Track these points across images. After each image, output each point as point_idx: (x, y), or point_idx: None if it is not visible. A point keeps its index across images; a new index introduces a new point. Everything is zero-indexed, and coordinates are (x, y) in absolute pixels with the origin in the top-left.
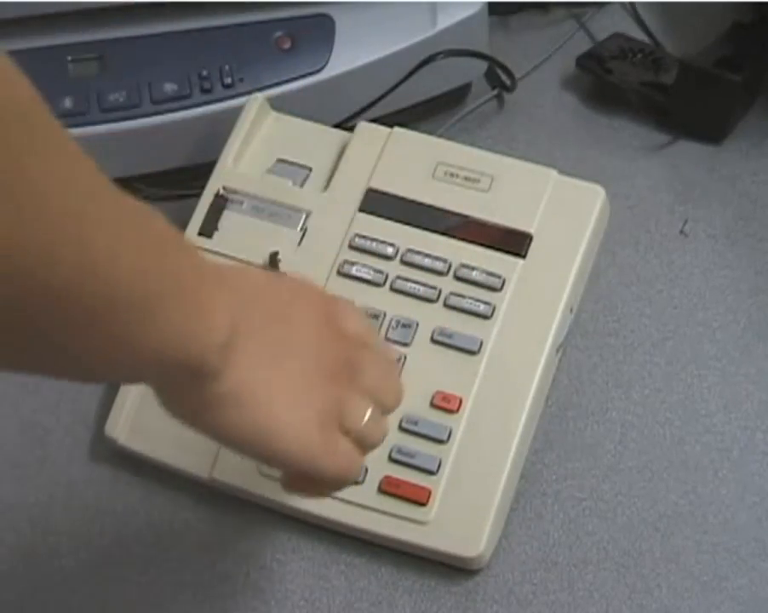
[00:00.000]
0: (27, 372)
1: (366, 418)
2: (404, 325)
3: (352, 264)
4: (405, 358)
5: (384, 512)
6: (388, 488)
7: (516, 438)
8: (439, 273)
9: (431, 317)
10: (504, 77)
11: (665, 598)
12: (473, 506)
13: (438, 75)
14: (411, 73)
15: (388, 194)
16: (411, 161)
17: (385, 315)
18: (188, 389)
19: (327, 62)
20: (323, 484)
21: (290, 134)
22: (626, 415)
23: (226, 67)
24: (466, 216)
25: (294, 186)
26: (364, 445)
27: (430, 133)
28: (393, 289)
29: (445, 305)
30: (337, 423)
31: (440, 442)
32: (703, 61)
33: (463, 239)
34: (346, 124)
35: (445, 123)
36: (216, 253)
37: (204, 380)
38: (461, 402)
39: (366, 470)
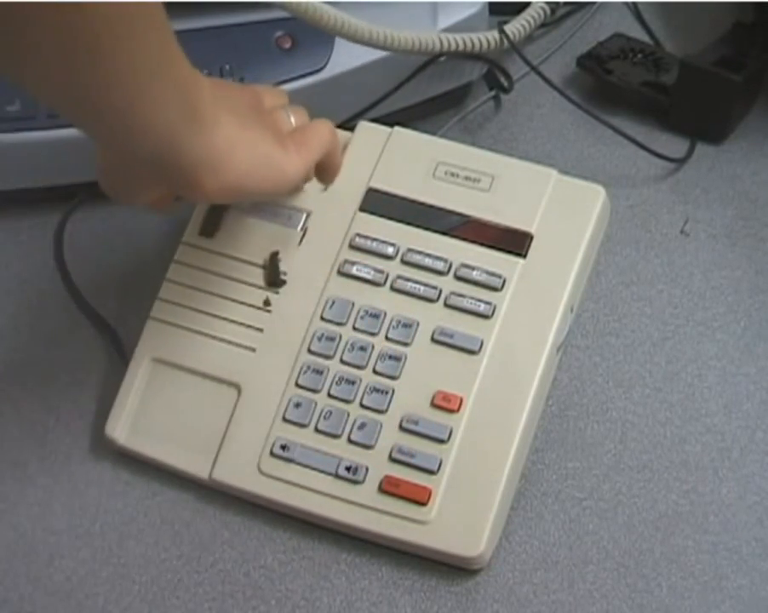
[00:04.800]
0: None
1: (292, 119)
2: (404, 325)
3: (353, 263)
4: (406, 357)
5: (384, 512)
6: (389, 487)
7: (516, 438)
8: (440, 273)
9: (431, 317)
10: (502, 79)
11: (665, 598)
12: (474, 505)
13: (438, 75)
14: (413, 75)
15: (389, 194)
16: (411, 161)
17: (385, 315)
18: (193, 139)
19: (327, 62)
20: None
21: None
22: (626, 414)
23: (227, 67)
24: (466, 216)
25: None
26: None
27: (430, 133)
28: (394, 289)
29: (446, 304)
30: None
31: (441, 441)
32: (704, 61)
33: (464, 239)
34: (347, 124)
35: (445, 122)
36: (218, 253)
37: (204, 128)
38: (461, 401)
39: (366, 469)
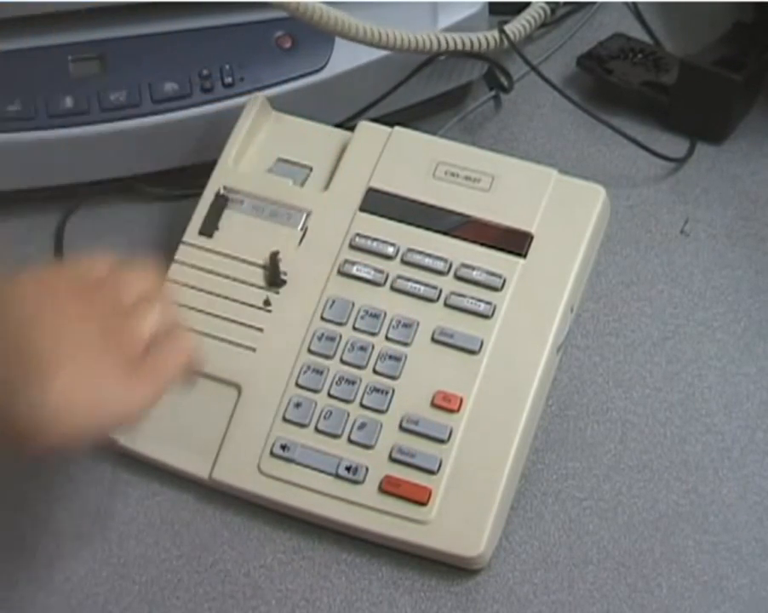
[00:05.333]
0: None
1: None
2: (404, 325)
3: (353, 263)
4: (406, 357)
5: (384, 512)
6: (389, 487)
7: (516, 438)
8: (440, 273)
9: (431, 317)
10: (502, 78)
11: (665, 598)
12: (474, 505)
13: (438, 75)
14: (413, 74)
15: (389, 194)
16: (412, 160)
17: (385, 315)
18: (27, 403)
19: (327, 62)
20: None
21: (291, 133)
22: (626, 414)
23: (227, 67)
24: (466, 216)
25: (294, 186)
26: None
27: (430, 133)
28: (394, 289)
29: (446, 304)
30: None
31: (441, 441)
32: (704, 61)
33: (464, 239)
34: (347, 124)
35: (446, 122)
36: (217, 252)
37: (40, 388)
38: (461, 401)
39: (366, 469)
